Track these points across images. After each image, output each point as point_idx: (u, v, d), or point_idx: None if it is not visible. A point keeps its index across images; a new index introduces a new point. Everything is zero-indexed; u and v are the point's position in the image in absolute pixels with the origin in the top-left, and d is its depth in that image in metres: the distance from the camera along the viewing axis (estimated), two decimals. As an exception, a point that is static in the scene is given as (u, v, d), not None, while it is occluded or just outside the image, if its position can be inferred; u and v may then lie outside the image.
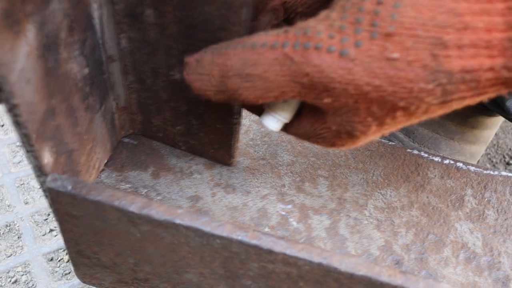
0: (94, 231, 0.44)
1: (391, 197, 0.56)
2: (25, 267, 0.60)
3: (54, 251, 0.62)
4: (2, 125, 0.71)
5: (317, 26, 0.31)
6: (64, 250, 0.62)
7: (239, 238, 0.40)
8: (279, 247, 0.40)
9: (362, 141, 0.38)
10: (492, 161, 0.75)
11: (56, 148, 0.42)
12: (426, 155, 0.60)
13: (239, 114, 0.47)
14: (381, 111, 0.33)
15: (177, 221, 0.40)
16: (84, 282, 0.56)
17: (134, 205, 0.40)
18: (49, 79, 0.36)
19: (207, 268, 0.45)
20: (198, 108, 0.48)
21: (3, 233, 0.62)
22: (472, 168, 0.60)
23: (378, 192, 0.56)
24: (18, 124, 0.35)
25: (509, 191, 0.59)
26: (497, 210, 0.57)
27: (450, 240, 0.54)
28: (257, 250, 0.40)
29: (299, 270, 0.41)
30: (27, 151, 0.39)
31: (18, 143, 0.70)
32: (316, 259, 0.40)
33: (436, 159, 0.60)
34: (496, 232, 0.55)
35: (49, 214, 0.64)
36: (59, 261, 0.61)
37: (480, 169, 0.60)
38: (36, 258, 0.61)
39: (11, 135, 0.70)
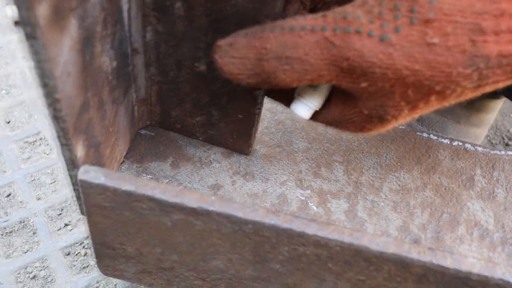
0: (123, 222, 0.45)
1: (405, 179, 0.58)
2: (42, 262, 0.61)
3: (70, 245, 0.62)
4: (8, 122, 0.71)
5: (356, 12, 0.33)
6: (80, 244, 0.62)
7: (272, 222, 0.41)
8: (311, 229, 0.41)
9: (392, 125, 0.40)
10: (491, 143, 0.78)
11: (88, 141, 0.43)
12: (435, 137, 0.62)
13: (262, 103, 0.49)
14: (416, 95, 0.35)
15: (211, 208, 0.41)
16: (106, 274, 0.57)
17: (168, 193, 0.41)
18: (86, 72, 0.37)
19: (236, 254, 0.47)
20: (221, 99, 0.49)
21: (17, 230, 0.63)
22: (479, 149, 0.62)
23: (392, 175, 0.58)
24: (57, 118, 0.36)
25: (516, 169, 0.61)
26: (506, 188, 0.59)
27: (464, 218, 0.56)
28: (289, 233, 0.42)
29: (329, 251, 0.43)
30: (62, 145, 0.40)
31: (26, 139, 0.70)
32: (347, 239, 0.41)
33: (445, 141, 0.62)
34: (506, 209, 0.57)
35: (62, 209, 0.65)
36: (76, 255, 0.62)
37: (487, 150, 0.62)
38: (53, 253, 0.61)
39: (18, 131, 0.70)
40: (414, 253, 0.41)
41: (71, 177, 0.44)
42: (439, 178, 0.59)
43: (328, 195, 0.55)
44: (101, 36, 0.38)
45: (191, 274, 0.52)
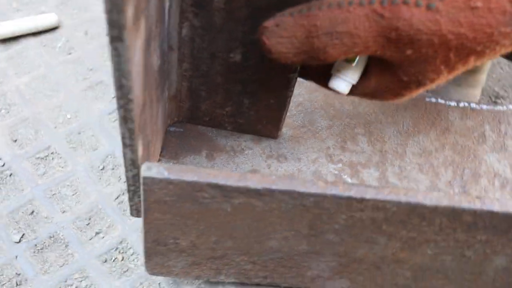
0: (182, 215, 0.47)
1: (424, 143, 0.62)
2: (81, 273, 0.61)
3: (106, 253, 0.63)
4: (15, 140, 0.70)
5: None
6: (116, 250, 0.63)
7: (332, 192, 0.44)
8: (370, 194, 0.44)
9: (426, 89, 0.43)
10: (481, 102, 0.83)
11: (143, 141, 0.44)
12: (442, 101, 0.66)
13: (294, 85, 0.51)
14: (456, 58, 0.38)
15: (274, 187, 0.43)
16: (152, 273, 0.58)
17: (232, 179, 0.43)
18: (145, 72, 0.39)
19: (292, 230, 0.49)
20: (253, 86, 0.51)
21: (49, 245, 0.63)
22: (484, 107, 0.66)
23: (412, 140, 0.62)
24: (126, 119, 0.38)
25: (520, 121, 0.67)
26: (492, 128, 0.64)
27: (483, 171, 0.60)
28: (349, 201, 0.44)
29: (385, 213, 0.46)
30: (127, 146, 0.41)
31: (37, 155, 0.70)
32: (403, 198, 0.44)
33: (452, 103, 0.66)
34: (484, 142, 0.62)
35: (89, 218, 0.65)
36: (113, 261, 0.62)
37: (491, 107, 0.67)
38: (90, 262, 0.62)
39: (27, 149, 0.70)
40: (465, 203, 0.45)
41: (128, 178, 0.45)
42: (454, 137, 0.63)
43: (358, 166, 0.58)
44: (154, 35, 0.40)
45: (242, 259, 0.54)
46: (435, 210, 0.45)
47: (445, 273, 0.56)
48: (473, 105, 0.66)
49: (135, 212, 0.50)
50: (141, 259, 0.62)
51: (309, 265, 0.55)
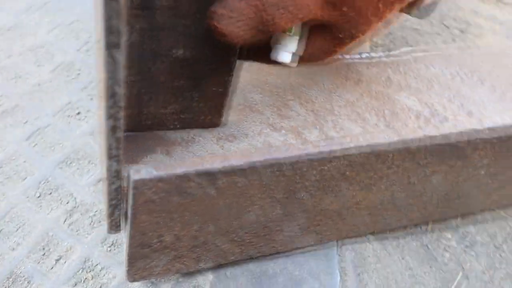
0: (168, 210, 0.48)
1: (345, 95, 0.69)
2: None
3: (73, 276, 0.61)
4: (7, 178, 0.65)
5: None
6: (83, 270, 0.62)
7: (306, 152, 0.49)
8: (336, 145, 0.50)
9: (356, 42, 0.50)
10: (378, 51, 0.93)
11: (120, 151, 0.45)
12: (348, 56, 0.74)
13: (234, 69, 0.55)
14: (384, 6, 0.45)
15: (254, 159, 0.47)
16: (133, 280, 0.58)
17: (217, 162, 0.46)
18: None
19: (268, 198, 0.53)
20: (196, 78, 0.54)
21: (9, 286, 0.60)
22: (382, 55, 0.75)
23: (335, 95, 0.68)
24: (116, 129, 0.39)
25: (413, 61, 0.77)
26: (415, 78, 0.74)
27: (399, 109, 0.69)
28: (320, 155, 0.50)
29: (349, 159, 0.52)
30: (112, 157, 0.41)
31: (35, 192, 0.65)
32: (363, 142, 0.51)
33: (356, 56, 0.74)
34: (422, 91, 0.72)
35: (44, 248, 0.63)
36: (83, 282, 0.61)
37: (387, 53, 0.76)
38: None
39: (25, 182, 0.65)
40: (411, 135, 0.53)
41: (110, 191, 0.45)
42: (367, 85, 0.71)
43: (299, 129, 0.64)
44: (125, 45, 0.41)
45: (221, 240, 0.57)
46: (388, 147, 0.52)
47: (394, 203, 0.64)
48: (373, 54, 0.75)
49: (114, 227, 0.51)
50: (112, 271, 0.62)
51: (281, 229, 0.60)
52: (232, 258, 0.62)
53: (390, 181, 0.58)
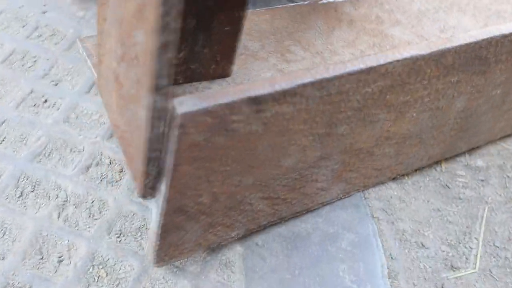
0: (211, 158, 0.42)
1: (343, 35, 0.65)
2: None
3: (83, 276, 0.52)
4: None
5: None
6: (93, 267, 0.52)
7: (353, 68, 0.44)
8: (382, 59, 0.45)
9: None
10: None
11: None
12: (331, 0, 0.70)
13: (247, 4, 0.49)
14: None
15: (305, 79, 0.41)
16: (162, 263, 0.51)
17: (265, 87, 0.40)
18: None
19: (310, 136, 0.47)
20: (207, 16, 0.48)
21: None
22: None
23: (333, 36, 0.64)
24: (168, 46, 0.32)
25: (396, -2, 0.75)
26: (402, 13, 0.71)
27: (398, 42, 0.66)
28: (367, 72, 0.45)
29: (392, 78, 0.48)
30: (159, 89, 0.35)
31: (15, 192, 0.54)
32: (405, 54, 0.47)
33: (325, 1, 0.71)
34: (413, 25, 0.70)
35: (40, 250, 0.52)
36: (97, 281, 0.52)
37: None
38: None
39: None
40: (449, 44, 0.49)
41: (151, 140, 0.38)
42: (361, 24, 0.67)
43: (310, 71, 0.59)
44: None
45: (257, 197, 0.51)
46: (429, 58, 0.48)
47: (420, 136, 0.60)
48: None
49: (150, 190, 0.43)
50: (128, 262, 0.53)
51: (315, 178, 0.54)
52: (264, 222, 0.56)
53: (422, 106, 0.55)
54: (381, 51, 0.54)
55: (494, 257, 0.64)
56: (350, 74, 0.44)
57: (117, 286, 0.52)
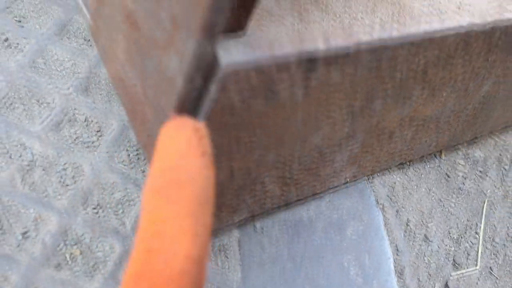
0: (241, 125, 0.35)
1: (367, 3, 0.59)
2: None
3: (52, 255, 0.44)
4: None
5: None
6: (65, 245, 0.44)
7: (413, 31, 0.38)
8: (442, 23, 0.40)
9: None
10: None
11: None
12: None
13: None
14: None
15: (362, 38, 0.35)
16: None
17: (319, 42, 0.33)
18: None
19: (345, 108, 0.41)
20: None
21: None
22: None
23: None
24: None
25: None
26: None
27: (417, 14, 0.61)
28: (424, 38, 0.39)
29: (440, 47, 0.42)
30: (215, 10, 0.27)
31: None
32: (462, 23, 0.41)
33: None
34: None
35: (0, 220, 0.44)
36: (71, 261, 0.44)
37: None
38: (39, 277, 0.43)
39: None
40: (500, 19, 0.44)
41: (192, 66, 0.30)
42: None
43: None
44: None
45: (271, 177, 0.44)
46: (482, 30, 0.44)
47: (439, 119, 0.56)
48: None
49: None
50: (107, 241, 0.46)
51: (333, 158, 0.48)
52: (269, 205, 0.50)
53: (454, 87, 0.50)
54: (400, 21, 0.48)
55: (494, 254, 0.61)
56: (408, 37, 0.38)
57: (93, 269, 0.44)
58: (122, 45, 0.36)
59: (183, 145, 0.28)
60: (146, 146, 0.36)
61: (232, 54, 0.29)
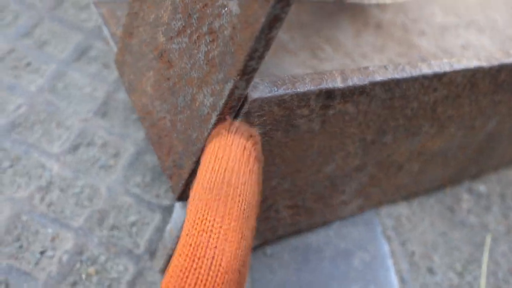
0: (271, 157, 0.38)
1: (370, 40, 0.63)
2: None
3: (69, 273, 0.46)
4: None
5: None
6: (80, 263, 0.46)
7: (423, 72, 0.41)
8: (449, 66, 0.43)
9: None
10: None
11: None
12: (357, 0, 0.68)
13: None
14: None
15: (376, 77, 0.38)
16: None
17: (336, 79, 0.36)
18: None
19: (358, 142, 0.44)
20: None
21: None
22: (388, 2, 0.71)
23: (361, 39, 0.62)
24: (277, 20, 0.29)
25: (418, 8, 0.73)
26: (425, 23, 0.70)
27: (425, 53, 0.65)
28: (434, 77, 0.43)
29: (449, 88, 0.45)
30: (252, 59, 0.30)
31: None
32: (469, 65, 0.45)
33: (365, 1, 0.68)
34: (436, 38, 0.69)
35: (19, 238, 0.46)
36: (85, 279, 0.46)
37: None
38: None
39: None
40: (507, 60, 0.48)
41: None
42: (388, 30, 0.65)
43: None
44: None
45: (285, 204, 0.47)
46: (488, 71, 0.47)
47: (446, 154, 0.59)
48: (381, 0, 0.69)
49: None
50: (122, 262, 0.48)
51: (343, 189, 0.51)
52: (280, 233, 0.52)
53: (462, 123, 0.53)
54: (410, 62, 0.51)
55: (497, 289, 0.63)
56: (419, 77, 0.41)
57: (109, 286, 0.47)
58: (152, 80, 0.40)
59: (238, 148, 0.31)
60: (172, 176, 0.39)
61: (259, 90, 0.32)
